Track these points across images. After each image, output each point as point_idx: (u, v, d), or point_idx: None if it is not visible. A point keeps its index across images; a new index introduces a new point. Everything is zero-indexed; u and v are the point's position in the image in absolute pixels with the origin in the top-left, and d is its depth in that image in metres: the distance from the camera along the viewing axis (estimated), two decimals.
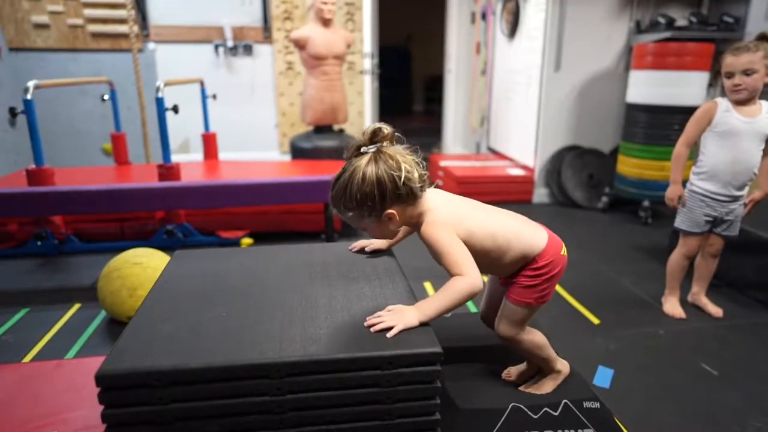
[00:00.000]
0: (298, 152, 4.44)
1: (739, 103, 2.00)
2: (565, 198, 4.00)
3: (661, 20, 3.66)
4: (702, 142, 2.15)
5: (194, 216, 3.08)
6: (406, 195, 1.13)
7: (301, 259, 1.51)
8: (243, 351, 1.02)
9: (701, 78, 3.40)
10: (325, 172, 3.51)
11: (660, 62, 3.39)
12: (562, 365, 1.39)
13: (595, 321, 2.27)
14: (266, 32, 5.26)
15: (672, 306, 2.33)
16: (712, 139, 2.07)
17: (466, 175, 4.10)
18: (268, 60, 5.37)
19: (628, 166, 3.66)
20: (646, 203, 3.60)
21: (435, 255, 1.16)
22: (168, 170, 2.86)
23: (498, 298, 1.38)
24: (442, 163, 4.55)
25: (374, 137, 1.13)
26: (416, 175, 1.12)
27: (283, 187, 2.64)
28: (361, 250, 1.52)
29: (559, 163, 4.00)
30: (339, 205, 1.15)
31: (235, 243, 3.08)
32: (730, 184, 2.07)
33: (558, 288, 2.60)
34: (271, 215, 3.15)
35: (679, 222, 2.25)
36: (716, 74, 3.77)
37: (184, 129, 5.24)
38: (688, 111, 3.45)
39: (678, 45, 3.37)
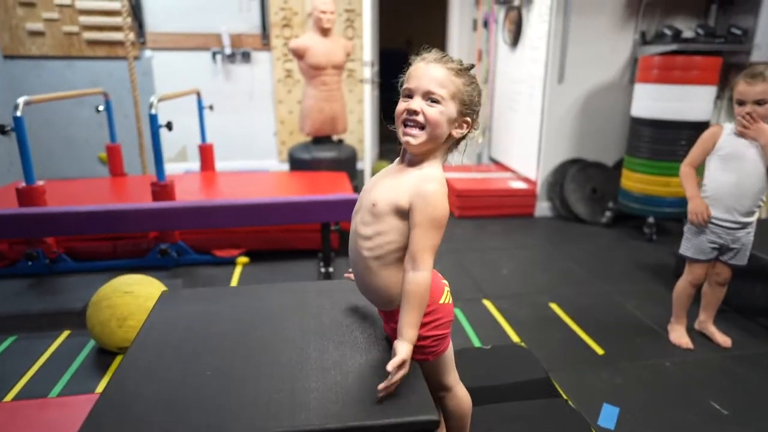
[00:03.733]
0: (296, 163, 4.37)
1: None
2: (568, 212, 3.93)
3: (667, 32, 3.58)
4: (706, 166, 2.09)
5: (189, 234, 3.01)
6: (474, 122, 1.11)
7: (294, 303, 1.45)
8: (226, 424, 0.96)
9: (708, 92, 3.32)
10: (325, 188, 3.44)
11: (666, 76, 3.32)
12: None
13: (599, 351, 2.19)
14: (264, 39, 5.18)
15: (678, 335, 2.25)
16: (715, 162, 2.02)
17: (466, 189, 4.03)
18: (267, 67, 5.29)
19: (633, 180, 3.59)
20: (650, 219, 3.53)
21: (415, 222, 1.03)
22: (162, 188, 2.79)
23: None
24: None
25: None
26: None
27: (281, 208, 2.57)
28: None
29: (562, 176, 3.93)
30: (450, 70, 1.06)
31: (231, 262, 3.01)
32: (734, 209, 1.99)
33: (559, 311, 2.53)
34: (268, 233, 3.09)
35: (684, 248, 2.17)
36: (723, 88, 3.71)
37: (183, 137, 5.17)
38: (695, 126, 3.41)
39: (685, 58, 3.29)
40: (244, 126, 5.40)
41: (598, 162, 3.97)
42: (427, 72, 1.05)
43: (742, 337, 2.30)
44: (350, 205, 2.62)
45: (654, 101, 3.41)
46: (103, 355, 2.09)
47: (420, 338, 1.08)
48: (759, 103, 1.84)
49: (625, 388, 1.94)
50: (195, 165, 4.99)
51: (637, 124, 3.53)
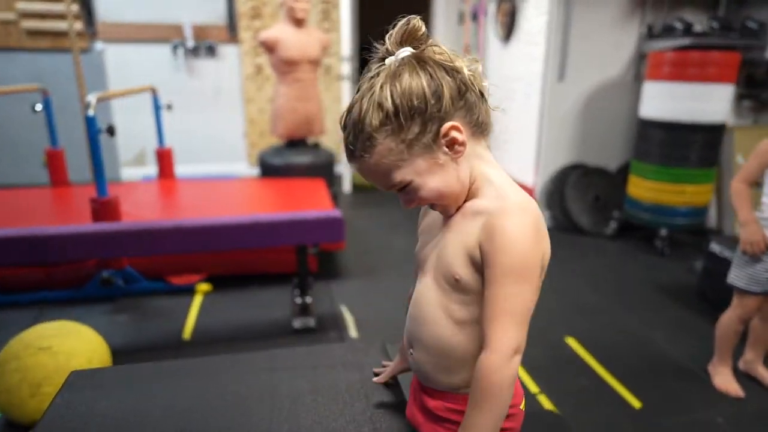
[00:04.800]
0: (268, 169, 3.92)
1: None
2: (569, 222, 3.58)
3: (678, 25, 3.25)
4: (765, 182, 1.73)
5: (139, 257, 2.54)
6: (474, 109, 0.71)
7: (258, 386, 1.03)
8: None
9: (726, 91, 3.00)
10: (301, 199, 3.02)
11: (680, 73, 2.98)
12: None
13: (636, 404, 1.83)
14: (231, 31, 4.70)
15: (725, 380, 1.90)
16: None
17: None
18: (234, 62, 4.81)
19: (642, 188, 3.25)
20: (663, 232, 3.20)
21: (502, 266, 0.67)
22: (103, 206, 2.31)
23: None
24: None
25: (405, 37, 0.71)
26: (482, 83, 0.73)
27: (249, 230, 2.13)
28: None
29: (562, 183, 3.58)
30: (359, 134, 0.69)
31: (189, 290, 2.56)
32: None
33: (578, 348, 2.16)
34: (234, 256, 2.64)
35: (735, 278, 1.81)
36: (745, 86, 3.40)
37: (141, 139, 4.67)
38: (711, 129, 3.09)
39: (700, 54, 2.96)
40: (210, 127, 4.91)
41: (600, 167, 3.63)
42: (362, 173, 0.74)
43: None
44: (331, 224, 2.07)
45: (666, 101, 3.08)
46: (12, 431, 1.62)
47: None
48: None
49: None
50: (154, 170, 4.49)
51: (647, 125, 3.20)
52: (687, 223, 3.19)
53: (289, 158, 3.88)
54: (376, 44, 0.72)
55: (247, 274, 2.70)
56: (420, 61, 0.68)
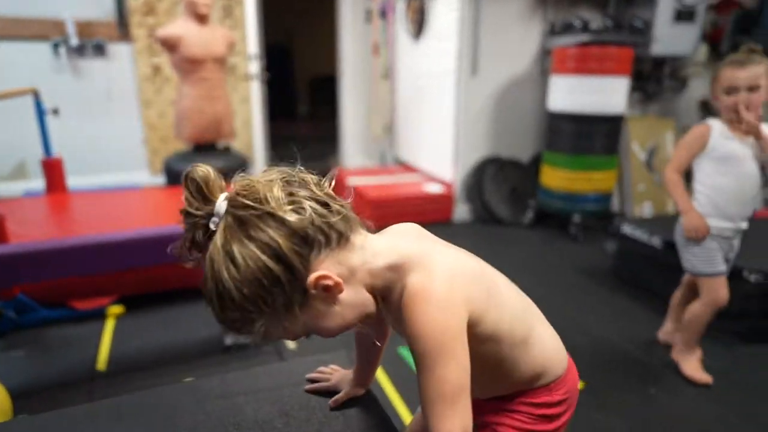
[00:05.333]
0: (174, 176, 3.63)
1: (733, 122, 1.69)
2: (489, 214, 3.68)
3: (576, 23, 3.46)
4: (695, 170, 1.79)
5: (33, 284, 2.22)
6: (322, 230, 0.63)
7: (218, 415, 0.89)
8: None
9: (623, 84, 3.24)
10: None
11: (582, 67, 3.17)
12: None
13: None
14: (122, 28, 4.31)
15: (693, 368, 1.91)
16: (708, 165, 1.75)
17: (380, 197, 3.60)
18: (127, 62, 4.41)
19: (553, 178, 3.42)
20: (576, 218, 3.38)
21: (414, 353, 0.66)
22: None
23: None
24: (351, 181, 4.01)
25: (203, 193, 0.63)
26: (321, 210, 0.64)
27: (168, 242, 1.92)
28: (325, 394, 0.95)
29: (480, 176, 3.67)
30: (229, 326, 0.65)
31: (99, 315, 2.28)
32: (738, 215, 1.75)
33: None
34: (147, 272, 2.39)
35: (694, 264, 1.81)
36: (636, 79, 3.68)
37: (19, 149, 4.14)
38: (612, 119, 3.31)
39: (599, 49, 3.17)
40: (103, 134, 4.46)
41: (514, 159, 3.78)
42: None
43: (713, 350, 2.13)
44: None
45: (571, 94, 3.26)
46: None
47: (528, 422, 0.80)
48: (751, 89, 1.61)
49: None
50: (38, 183, 3.99)
51: (555, 118, 3.36)
52: (595, 209, 3.40)
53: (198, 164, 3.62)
54: (188, 209, 0.64)
55: (164, 292, 2.46)
56: (241, 223, 0.60)
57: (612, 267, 2.87)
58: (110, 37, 4.30)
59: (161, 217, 2.83)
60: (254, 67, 4.19)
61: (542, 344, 0.80)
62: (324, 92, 9.07)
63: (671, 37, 3.50)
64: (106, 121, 4.44)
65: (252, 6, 4.05)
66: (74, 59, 4.23)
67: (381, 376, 1.90)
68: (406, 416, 1.69)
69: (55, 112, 3.17)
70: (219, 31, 3.66)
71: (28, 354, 2.02)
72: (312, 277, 0.62)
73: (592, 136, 3.27)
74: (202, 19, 3.50)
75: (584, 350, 2.11)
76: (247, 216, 0.60)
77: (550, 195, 3.47)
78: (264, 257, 0.59)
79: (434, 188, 3.79)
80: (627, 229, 2.69)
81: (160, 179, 4.50)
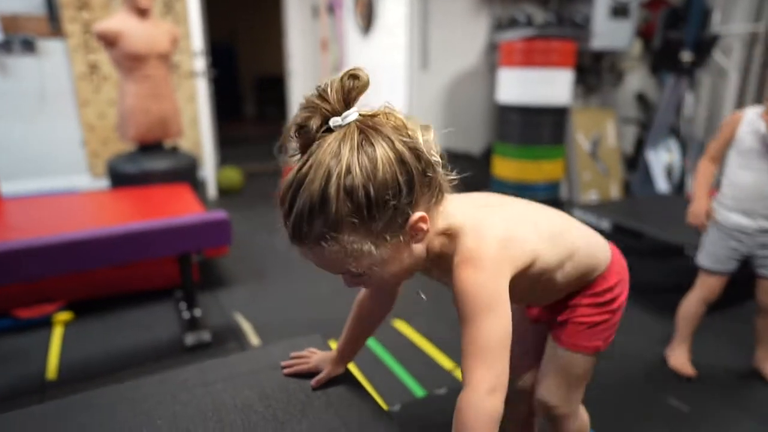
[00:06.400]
0: (119, 178, 3.46)
1: None
2: None
3: (521, 18, 3.57)
4: (726, 163, 1.74)
5: None
6: (435, 185, 0.69)
7: (196, 403, 0.86)
8: None
9: (568, 76, 3.37)
10: (166, 207, 2.71)
11: (528, 60, 3.27)
12: None
13: None
14: (54, 23, 4.08)
15: (679, 360, 1.87)
16: (734, 157, 1.68)
17: None
18: (61, 60, 4.19)
19: (505, 168, 3.52)
20: None
21: (460, 313, 0.70)
22: None
23: (534, 347, 1.06)
24: None
25: (350, 95, 0.64)
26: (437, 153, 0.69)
27: (121, 242, 1.84)
28: (304, 377, 0.94)
29: None
30: (316, 219, 0.62)
31: (45, 322, 2.15)
32: (757, 213, 1.65)
33: None
34: (97, 274, 2.27)
35: (700, 257, 1.81)
36: (578, 72, 3.84)
37: None
38: (558, 110, 3.43)
39: (544, 42, 3.28)
40: (36, 136, 4.21)
41: (467, 152, 3.85)
42: (309, 257, 0.69)
43: None
44: (217, 227, 1.91)
45: (519, 86, 3.36)
46: None
47: (606, 319, 0.93)
48: None
49: None
50: None
51: (504, 110, 3.46)
52: (546, 197, 3.52)
53: (145, 165, 3.47)
54: (311, 97, 0.65)
55: (115, 295, 2.35)
56: (379, 133, 0.62)
57: None
58: (40, 33, 4.06)
59: (111, 219, 2.70)
60: (199, 64, 4.07)
61: (586, 248, 0.89)
62: (270, 92, 8.93)
63: (608, 32, 3.67)
64: (39, 123, 4.19)
65: (195, 1, 3.93)
66: (0, 57, 3.97)
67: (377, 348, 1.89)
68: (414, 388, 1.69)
69: None
70: (162, 26, 3.53)
71: None
72: (416, 216, 0.65)
73: (539, 127, 3.38)
74: (143, 13, 3.36)
75: None
76: (379, 124, 0.62)
77: (502, 185, 3.56)
78: (397, 173, 0.61)
79: None
80: (577, 213, 2.80)
81: (103, 182, 4.30)
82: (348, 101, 0.64)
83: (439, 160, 0.68)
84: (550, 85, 3.31)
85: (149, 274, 2.39)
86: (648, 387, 1.79)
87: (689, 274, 2.26)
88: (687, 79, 3.79)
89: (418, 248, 0.70)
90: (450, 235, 0.73)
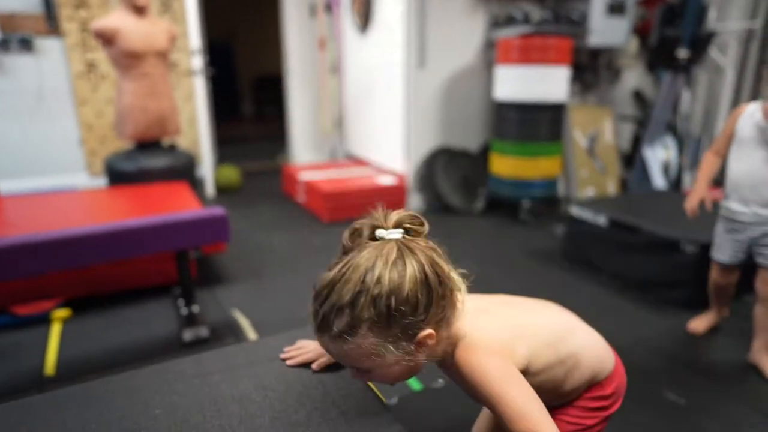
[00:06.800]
0: (117, 176, 3.46)
1: None
2: (442, 204, 3.74)
3: (518, 15, 3.58)
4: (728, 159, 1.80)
5: None
6: (448, 308, 0.76)
7: (193, 393, 0.87)
8: None
9: (565, 73, 3.37)
10: (164, 205, 2.71)
11: (526, 57, 3.28)
12: None
13: None
14: (51, 22, 4.08)
15: (695, 321, 2.09)
16: (733, 150, 1.74)
17: (334, 189, 3.59)
18: (59, 59, 4.19)
19: (502, 165, 3.52)
20: (525, 204, 3.50)
21: (482, 399, 0.77)
22: None
23: None
24: (302, 177, 3.97)
25: (402, 222, 0.75)
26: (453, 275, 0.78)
27: (119, 238, 1.84)
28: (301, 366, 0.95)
29: (431, 167, 3.72)
30: (341, 316, 0.70)
31: (43, 320, 2.15)
32: (751, 200, 1.70)
33: None
34: (94, 271, 2.28)
35: (712, 250, 1.92)
36: (575, 69, 3.84)
37: None
38: (555, 107, 3.44)
39: (541, 39, 3.29)
40: (35, 135, 4.21)
41: (464, 149, 3.86)
42: (326, 347, 0.76)
43: None
44: (215, 223, 1.93)
45: (516, 83, 3.36)
46: None
47: (596, 423, 0.91)
48: None
49: None
50: None
51: (502, 107, 3.47)
52: (543, 194, 3.53)
53: (143, 162, 3.47)
54: (376, 212, 0.75)
55: (113, 292, 2.35)
56: (413, 255, 0.70)
57: (561, 248, 2.99)
58: (38, 32, 4.06)
59: (110, 216, 2.70)
60: (197, 62, 4.07)
61: (590, 352, 0.89)
62: (269, 92, 8.92)
63: (605, 29, 3.68)
64: (37, 122, 4.19)
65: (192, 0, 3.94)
66: None
67: None
68: (411, 381, 1.69)
69: None
70: (160, 24, 3.53)
71: None
72: (425, 332, 0.72)
73: (536, 124, 3.39)
74: (140, 11, 3.36)
75: None
76: (416, 247, 0.71)
77: (499, 182, 3.58)
78: (419, 293, 0.69)
79: (387, 180, 3.82)
80: (574, 210, 2.81)
81: (101, 181, 4.30)
82: (399, 225, 0.74)
83: (460, 286, 0.77)
84: (547, 83, 3.32)
85: (147, 271, 2.40)
86: (645, 380, 1.80)
87: (685, 268, 2.28)
88: (683, 76, 3.80)
89: (422, 357, 0.75)
90: (452, 343, 0.79)
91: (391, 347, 0.71)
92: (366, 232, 0.73)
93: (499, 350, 0.78)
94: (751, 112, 1.68)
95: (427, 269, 0.70)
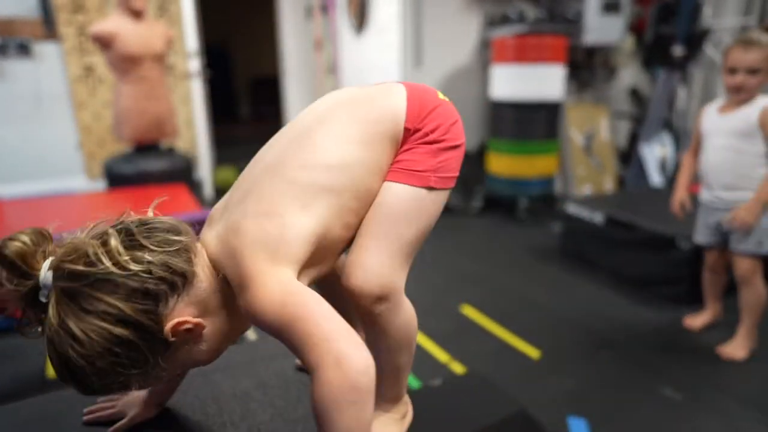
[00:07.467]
0: (116, 179, 3.48)
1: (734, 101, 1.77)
2: None
3: (513, 15, 3.60)
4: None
5: None
6: (171, 285, 0.60)
7: (194, 392, 0.88)
8: None
9: (560, 71, 3.39)
10: (164, 207, 2.72)
11: (521, 56, 3.30)
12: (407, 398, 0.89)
13: (535, 354, 1.97)
14: (48, 26, 4.09)
15: (693, 318, 2.12)
16: (702, 144, 1.89)
17: None
18: (57, 63, 4.20)
19: (500, 164, 3.54)
20: (522, 202, 3.52)
21: (286, 341, 0.61)
22: None
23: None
24: None
25: (21, 266, 0.57)
26: (161, 256, 0.59)
27: None
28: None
29: None
30: (103, 389, 0.61)
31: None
32: (715, 185, 1.83)
33: (474, 315, 2.27)
34: None
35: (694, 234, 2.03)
36: (571, 68, 3.86)
37: None
38: (551, 105, 3.46)
39: (536, 39, 3.31)
40: (33, 139, 4.22)
41: None
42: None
43: None
44: None
45: (511, 82, 3.39)
46: None
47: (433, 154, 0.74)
48: (752, 72, 1.67)
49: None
50: None
51: (498, 106, 3.49)
52: (540, 192, 3.55)
53: (142, 165, 3.49)
54: (10, 287, 0.57)
55: None
56: (72, 296, 0.56)
57: (558, 246, 3.01)
58: (35, 36, 4.07)
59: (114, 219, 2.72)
60: (194, 64, 4.09)
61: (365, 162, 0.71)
62: (265, 93, 8.93)
63: (600, 27, 3.69)
64: (35, 126, 4.20)
65: (189, 1, 3.95)
66: None
67: None
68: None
69: None
70: (157, 27, 3.54)
71: None
72: (168, 327, 0.58)
73: (533, 123, 3.41)
74: (137, 14, 3.38)
75: (536, 322, 2.21)
76: (77, 287, 0.55)
77: (496, 181, 3.59)
78: (107, 326, 0.55)
79: None
80: (571, 208, 2.83)
81: (99, 184, 4.31)
82: (26, 273, 0.58)
83: (169, 241, 0.61)
84: (542, 81, 3.34)
85: None
86: (642, 376, 1.82)
87: (681, 265, 2.30)
88: (679, 73, 3.82)
89: (213, 328, 0.64)
90: (228, 278, 0.65)
91: (158, 367, 0.60)
92: (32, 311, 0.59)
93: (278, 266, 0.63)
94: (710, 109, 1.87)
95: (117, 304, 0.56)
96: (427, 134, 0.73)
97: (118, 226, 0.61)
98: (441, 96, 0.79)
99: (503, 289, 2.56)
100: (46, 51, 4.14)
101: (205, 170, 4.33)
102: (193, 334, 0.62)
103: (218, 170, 4.52)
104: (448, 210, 3.42)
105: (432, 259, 2.99)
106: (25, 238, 0.58)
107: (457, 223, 3.56)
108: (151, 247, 0.59)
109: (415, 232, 0.71)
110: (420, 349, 1.99)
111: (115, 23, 3.33)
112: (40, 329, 0.59)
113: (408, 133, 0.73)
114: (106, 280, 0.55)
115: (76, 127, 4.36)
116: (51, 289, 0.56)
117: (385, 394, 0.80)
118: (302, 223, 0.65)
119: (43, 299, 0.57)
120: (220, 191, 4.42)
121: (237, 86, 9.54)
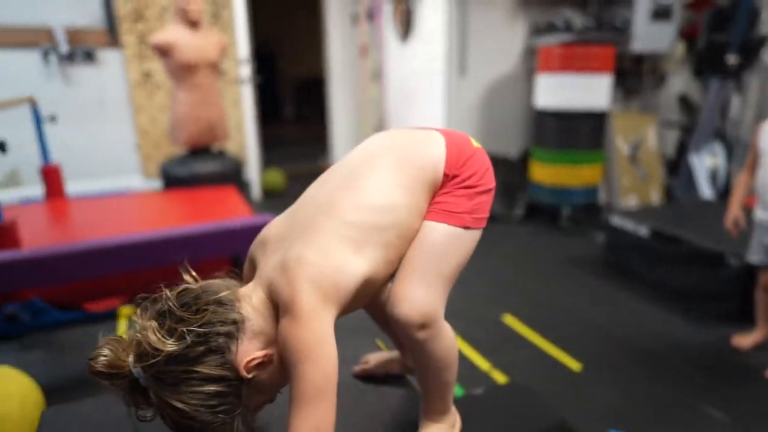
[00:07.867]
0: (171, 180, 3.67)
1: None
2: None
3: (559, 23, 3.59)
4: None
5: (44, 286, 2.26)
6: (227, 335, 0.70)
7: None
8: None
9: (607, 81, 3.37)
10: (214, 208, 2.88)
11: (567, 65, 3.29)
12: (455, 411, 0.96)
13: (576, 366, 1.99)
14: (112, 35, 4.33)
15: (742, 337, 2.08)
16: (760, 161, 1.86)
17: None
18: (118, 69, 4.44)
19: (543, 173, 3.54)
20: (565, 212, 3.51)
21: (291, 366, 0.70)
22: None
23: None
24: None
25: (113, 372, 0.69)
26: (218, 313, 0.70)
27: (178, 244, 2.00)
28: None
29: None
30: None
31: (110, 316, 2.33)
32: None
33: (516, 324, 2.31)
34: (159, 272, 2.44)
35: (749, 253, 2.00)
36: (618, 75, 3.82)
37: (12, 156, 4.13)
38: (597, 115, 3.43)
39: (583, 48, 3.30)
40: (95, 140, 4.48)
41: (504, 155, 3.89)
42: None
43: None
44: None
45: (557, 91, 3.38)
46: None
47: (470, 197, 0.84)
48: None
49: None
50: (32, 191, 4.01)
51: (542, 115, 3.49)
52: (584, 202, 3.53)
53: (195, 167, 3.67)
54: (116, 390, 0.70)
55: None
56: (160, 378, 0.67)
57: (601, 257, 3.00)
58: (100, 44, 4.32)
59: (168, 219, 2.89)
60: (245, 71, 4.25)
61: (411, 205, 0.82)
62: (309, 95, 9.12)
63: (649, 35, 3.64)
64: (98, 128, 4.46)
65: (241, 9, 4.11)
66: (64, 66, 4.25)
67: None
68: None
69: (53, 119, 3.20)
70: (212, 36, 3.71)
71: (44, 355, 2.07)
72: (242, 368, 0.68)
73: (577, 132, 3.40)
74: (194, 24, 3.55)
75: (578, 334, 2.22)
76: (161, 370, 0.66)
77: (539, 189, 3.60)
78: (196, 389, 0.66)
79: None
80: (615, 220, 2.81)
81: (154, 183, 4.53)
82: (120, 374, 0.69)
83: (206, 305, 0.70)
84: (588, 91, 3.33)
85: (206, 269, 2.55)
86: (686, 394, 1.82)
87: (730, 282, 2.26)
88: (733, 82, 3.72)
89: (276, 359, 0.73)
90: (272, 301, 0.74)
91: (250, 399, 0.72)
92: (140, 396, 0.70)
93: (321, 302, 0.71)
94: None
95: (198, 369, 0.67)
96: (464, 180, 0.83)
97: (162, 308, 0.71)
98: (475, 144, 0.88)
99: (545, 299, 2.58)
100: (109, 58, 4.39)
101: (253, 172, 4.49)
102: (265, 364, 0.71)
103: (266, 172, 4.68)
104: (491, 218, 3.47)
105: (475, 267, 3.03)
106: (105, 351, 0.69)
107: (499, 231, 3.59)
108: (197, 315, 0.68)
109: (453, 267, 0.81)
110: (462, 358, 2.05)
111: (173, 33, 3.51)
112: (150, 411, 0.70)
113: (447, 178, 0.83)
114: (176, 356, 0.66)
115: (134, 130, 4.60)
116: (144, 377, 0.67)
117: (435, 408, 0.88)
118: (355, 266, 0.74)
119: (143, 383, 0.68)
120: (267, 192, 4.57)
121: (281, 87, 9.77)
